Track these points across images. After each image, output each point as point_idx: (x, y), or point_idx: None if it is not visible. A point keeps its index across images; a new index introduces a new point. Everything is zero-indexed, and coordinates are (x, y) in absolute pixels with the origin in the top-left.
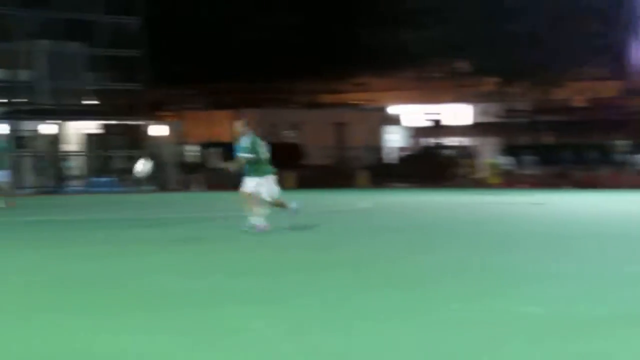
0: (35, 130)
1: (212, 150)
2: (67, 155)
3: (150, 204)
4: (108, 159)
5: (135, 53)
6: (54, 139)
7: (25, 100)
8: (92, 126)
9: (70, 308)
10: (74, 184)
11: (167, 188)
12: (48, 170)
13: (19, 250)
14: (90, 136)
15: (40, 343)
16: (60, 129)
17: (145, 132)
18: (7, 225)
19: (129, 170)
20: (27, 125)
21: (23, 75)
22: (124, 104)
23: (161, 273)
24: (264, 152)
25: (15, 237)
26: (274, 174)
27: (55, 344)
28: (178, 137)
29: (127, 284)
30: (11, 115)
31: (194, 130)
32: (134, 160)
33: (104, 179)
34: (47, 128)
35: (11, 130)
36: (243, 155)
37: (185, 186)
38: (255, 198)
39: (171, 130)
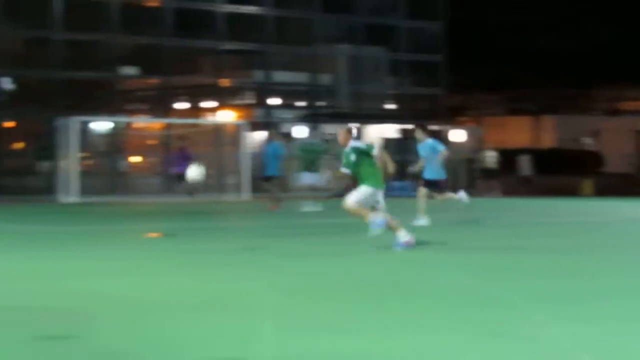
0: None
1: (522, 156)
2: None
3: (441, 209)
4: (406, 163)
5: (436, 58)
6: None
7: (326, 103)
8: (391, 130)
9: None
10: None
11: None
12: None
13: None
14: (388, 140)
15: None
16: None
17: (445, 137)
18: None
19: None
20: (327, 129)
21: (324, 79)
22: (423, 108)
23: (453, 273)
24: (371, 163)
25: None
26: (382, 188)
27: (353, 343)
28: (477, 143)
29: (418, 284)
30: (312, 118)
31: (491, 136)
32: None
33: (400, 183)
34: None
35: (312, 133)
36: (344, 168)
37: (483, 192)
38: (363, 208)
39: (470, 135)
